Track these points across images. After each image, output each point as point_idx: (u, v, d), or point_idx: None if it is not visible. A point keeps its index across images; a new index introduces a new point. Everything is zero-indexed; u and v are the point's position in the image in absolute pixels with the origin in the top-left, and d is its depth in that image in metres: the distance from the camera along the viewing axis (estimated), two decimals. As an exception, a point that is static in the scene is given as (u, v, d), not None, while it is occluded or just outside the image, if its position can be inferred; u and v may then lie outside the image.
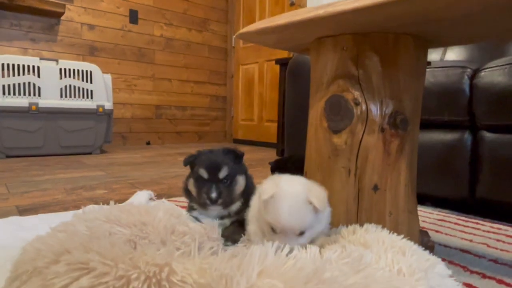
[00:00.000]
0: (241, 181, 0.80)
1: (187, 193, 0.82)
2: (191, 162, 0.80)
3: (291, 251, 0.45)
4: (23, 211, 1.15)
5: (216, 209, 0.77)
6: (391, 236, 0.52)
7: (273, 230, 0.57)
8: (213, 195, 0.73)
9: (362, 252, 0.45)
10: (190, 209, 0.83)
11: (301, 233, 0.56)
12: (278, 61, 2.92)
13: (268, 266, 0.39)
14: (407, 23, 0.66)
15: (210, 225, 0.62)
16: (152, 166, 2.19)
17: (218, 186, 0.75)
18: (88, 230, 0.53)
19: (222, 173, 0.76)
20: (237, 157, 0.82)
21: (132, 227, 0.53)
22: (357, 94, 0.72)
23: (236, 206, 0.80)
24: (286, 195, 0.57)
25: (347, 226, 0.65)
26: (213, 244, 0.57)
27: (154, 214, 0.55)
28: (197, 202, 0.78)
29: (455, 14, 0.60)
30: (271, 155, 2.99)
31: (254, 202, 0.69)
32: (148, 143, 3.65)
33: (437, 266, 0.46)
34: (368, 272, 0.40)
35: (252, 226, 0.66)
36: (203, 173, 0.76)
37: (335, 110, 0.74)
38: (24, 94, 2.42)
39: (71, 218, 0.57)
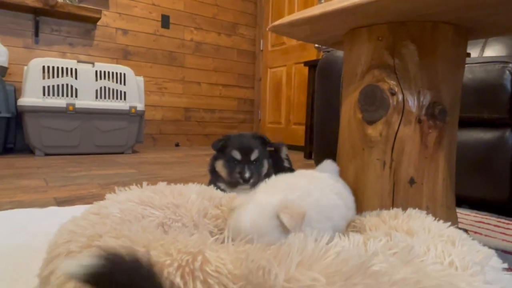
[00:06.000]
0: (266, 164, 0.87)
1: (213, 173, 0.89)
2: (222, 145, 0.86)
3: (331, 239, 0.41)
4: (61, 203, 1.20)
5: (245, 188, 0.82)
6: (437, 224, 0.48)
7: None
8: (247, 175, 0.79)
9: (410, 242, 0.41)
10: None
11: None
12: (307, 63, 2.91)
13: (308, 257, 0.36)
14: (447, 10, 0.64)
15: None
16: (182, 166, 2.23)
17: (250, 167, 0.81)
18: (120, 212, 0.52)
19: (254, 155, 0.83)
20: (264, 142, 0.88)
21: (165, 209, 0.53)
22: (393, 84, 0.70)
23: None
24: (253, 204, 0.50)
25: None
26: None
27: (187, 196, 0.55)
28: (226, 181, 0.84)
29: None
30: (299, 157, 2.96)
31: None
32: (177, 145, 3.72)
33: (492, 259, 0.42)
34: (419, 266, 0.37)
35: None
36: (236, 155, 0.82)
37: (370, 100, 0.72)
38: (63, 95, 2.53)
39: (105, 199, 0.58)
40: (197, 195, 0.56)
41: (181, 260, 0.36)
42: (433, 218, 0.52)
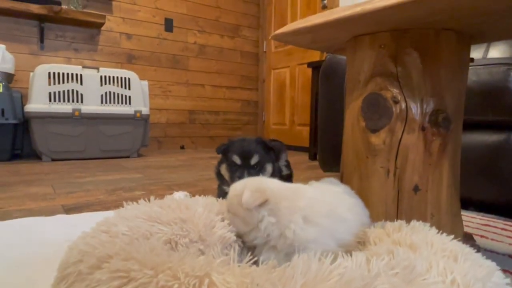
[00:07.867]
0: (269, 169, 0.88)
1: (219, 176, 0.90)
2: (224, 150, 0.88)
3: (335, 259, 0.42)
4: (68, 210, 1.21)
5: None
6: (440, 237, 0.48)
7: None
8: None
9: (412, 259, 0.41)
10: (220, 191, 0.92)
11: None
12: (310, 65, 2.91)
13: (311, 279, 0.36)
14: (450, 18, 0.64)
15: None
16: (187, 169, 2.24)
17: (249, 172, 0.81)
18: (129, 230, 0.53)
19: (254, 160, 0.83)
20: (267, 147, 0.89)
21: (172, 224, 0.54)
22: (396, 92, 0.70)
23: None
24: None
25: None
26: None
27: (194, 210, 0.56)
28: (229, 185, 0.85)
29: (501, 6, 0.57)
30: (303, 159, 2.97)
31: None
32: (182, 147, 3.74)
33: (495, 274, 0.42)
34: (421, 285, 0.37)
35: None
36: (236, 159, 0.84)
37: (373, 108, 0.72)
38: (68, 101, 2.56)
39: (113, 215, 0.59)
40: (204, 208, 0.57)
41: (188, 284, 0.37)
42: (437, 230, 0.52)
